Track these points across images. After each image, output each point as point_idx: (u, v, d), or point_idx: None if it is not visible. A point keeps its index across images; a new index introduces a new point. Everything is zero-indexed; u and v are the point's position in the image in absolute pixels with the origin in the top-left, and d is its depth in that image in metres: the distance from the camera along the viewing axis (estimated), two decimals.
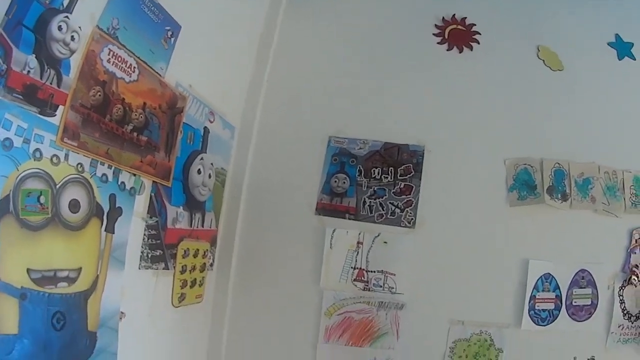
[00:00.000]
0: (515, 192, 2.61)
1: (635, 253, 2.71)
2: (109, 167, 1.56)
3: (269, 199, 2.59)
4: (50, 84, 1.28)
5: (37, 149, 1.26)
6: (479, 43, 2.77)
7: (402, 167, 2.57)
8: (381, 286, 2.49)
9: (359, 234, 2.52)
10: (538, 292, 2.56)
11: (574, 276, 2.62)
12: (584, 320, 2.63)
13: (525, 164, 2.63)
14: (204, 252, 2.32)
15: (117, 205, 1.62)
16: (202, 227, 2.28)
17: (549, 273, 2.58)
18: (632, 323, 2.70)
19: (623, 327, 2.67)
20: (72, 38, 1.35)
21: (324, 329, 2.49)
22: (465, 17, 2.80)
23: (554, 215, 2.61)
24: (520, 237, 2.58)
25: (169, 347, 2.14)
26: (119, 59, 1.56)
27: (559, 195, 2.62)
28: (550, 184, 2.61)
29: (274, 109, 2.67)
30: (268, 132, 2.65)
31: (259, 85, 2.68)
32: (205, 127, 2.23)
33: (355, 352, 2.48)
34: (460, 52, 2.76)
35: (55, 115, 1.31)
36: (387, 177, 2.56)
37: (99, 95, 1.47)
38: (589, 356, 2.59)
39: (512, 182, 2.62)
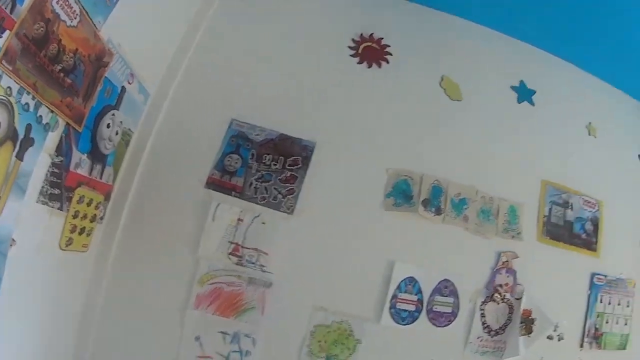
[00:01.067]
0: (392, 198, 2.91)
1: (500, 274, 3.05)
2: (33, 98, 1.68)
3: (166, 167, 2.76)
4: (5, 8, 1.43)
5: None
6: (388, 63, 3.11)
7: (291, 158, 2.85)
8: (253, 263, 2.73)
9: (241, 211, 2.76)
10: (401, 292, 2.84)
11: (438, 284, 2.93)
12: (443, 327, 2.94)
13: (406, 176, 2.95)
14: (97, 204, 2.43)
15: (31, 135, 1.73)
16: (100, 179, 2.41)
17: (412, 277, 2.87)
18: (492, 337, 3.01)
19: (482, 339, 2.98)
20: None
21: (195, 296, 2.68)
22: (382, 38, 3.14)
23: (425, 226, 2.93)
24: (390, 240, 2.90)
25: (49, 287, 2.22)
26: (66, 3, 1.72)
27: (433, 209, 2.94)
28: (427, 197, 2.93)
29: (189, 85, 2.86)
30: (178, 105, 2.83)
31: (181, 60, 2.87)
32: (124, 86, 2.39)
33: (221, 322, 2.68)
34: (369, 67, 3.09)
35: (1, 37, 1.45)
36: (276, 165, 2.81)
37: (41, 30, 1.61)
38: None
39: (390, 189, 2.92)
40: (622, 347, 3.51)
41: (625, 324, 3.53)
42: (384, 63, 3.14)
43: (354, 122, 3.01)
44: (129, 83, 2.45)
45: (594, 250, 3.45)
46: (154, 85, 2.75)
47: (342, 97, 3.04)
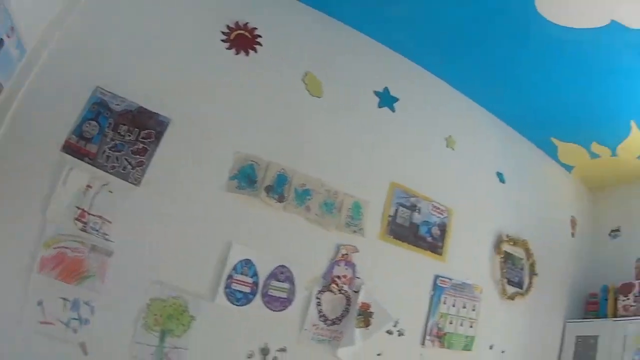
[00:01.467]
0: (236, 181, 3.14)
1: (339, 265, 3.34)
2: None
3: (28, 127, 2.75)
4: None
5: None
6: (256, 52, 3.35)
7: (145, 131, 2.96)
8: (97, 230, 2.77)
9: (91, 178, 2.79)
10: (236, 273, 3.04)
11: (274, 269, 3.15)
12: (278, 311, 3.14)
13: (252, 161, 3.17)
14: None
15: None
16: None
17: (249, 259, 3.09)
18: (328, 326, 3.27)
19: (318, 327, 3.23)
20: None
21: (39, 259, 2.63)
22: (256, 28, 3.38)
23: (267, 212, 3.17)
24: (229, 221, 3.08)
25: None
26: None
27: (276, 196, 3.19)
28: (270, 184, 3.18)
29: (64, 49, 2.85)
30: (51, 66, 2.81)
31: (61, 22, 2.90)
32: (2, 39, 2.41)
33: (63, 288, 2.67)
34: (236, 54, 3.30)
35: None
36: (130, 136, 2.93)
37: None
38: (282, 345, 3.12)
39: (235, 172, 3.14)
40: (468, 348, 3.92)
41: (471, 327, 3.93)
42: (252, 52, 3.36)
43: (212, 104, 3.19)
44: (8, 37, 2.46)
45: (440, 254, 3.81)
46: (31, 43, 2.80)
47: (205, 79, 3.21)
